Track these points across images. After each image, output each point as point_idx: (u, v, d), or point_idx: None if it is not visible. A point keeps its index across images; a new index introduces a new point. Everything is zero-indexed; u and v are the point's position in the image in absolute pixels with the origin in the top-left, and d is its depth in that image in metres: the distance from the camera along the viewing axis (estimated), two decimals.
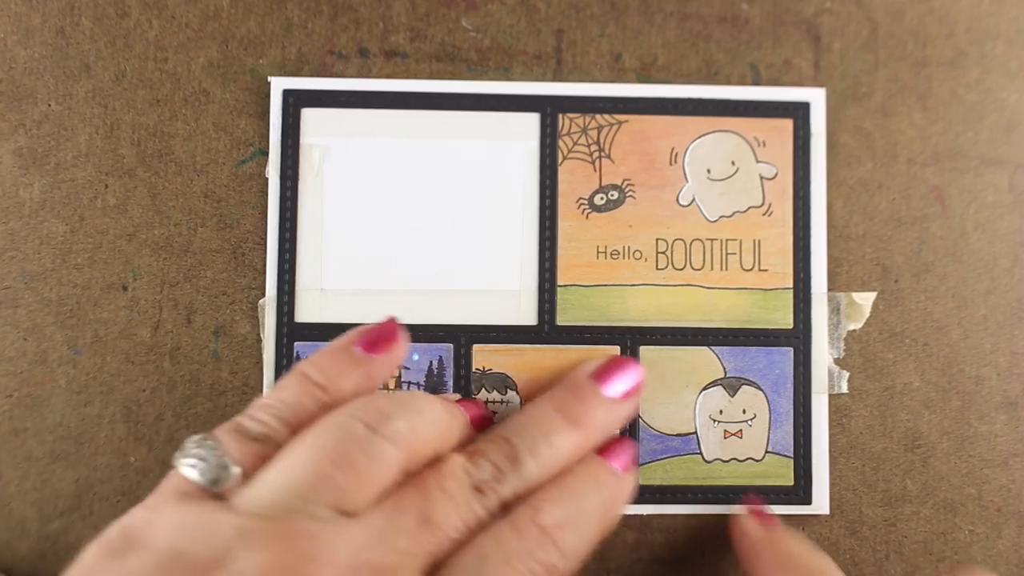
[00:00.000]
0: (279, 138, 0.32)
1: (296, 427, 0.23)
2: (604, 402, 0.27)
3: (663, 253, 0.32)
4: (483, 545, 0.22)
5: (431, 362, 0.31)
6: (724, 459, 0.32)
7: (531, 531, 0.22)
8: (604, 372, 0.28)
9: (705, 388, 0.32)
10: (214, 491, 0.21)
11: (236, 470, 0.21)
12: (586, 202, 0.32)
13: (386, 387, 0.31)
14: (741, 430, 0.32)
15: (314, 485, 0.20)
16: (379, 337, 0.26)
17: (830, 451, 0.32)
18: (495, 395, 0.31)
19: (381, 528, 0.21)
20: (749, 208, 0.32)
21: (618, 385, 0.27)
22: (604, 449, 0.26)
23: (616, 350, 0.32)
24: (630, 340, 0.32)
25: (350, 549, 0.20)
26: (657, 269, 0.32)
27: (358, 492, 0.21)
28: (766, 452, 0.32)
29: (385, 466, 0.22)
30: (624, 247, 0.32)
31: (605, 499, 0.25)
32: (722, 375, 0.32)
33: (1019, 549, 0.32)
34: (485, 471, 0.24)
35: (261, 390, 0.31)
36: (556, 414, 0.26)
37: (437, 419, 0.24)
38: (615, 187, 0.32)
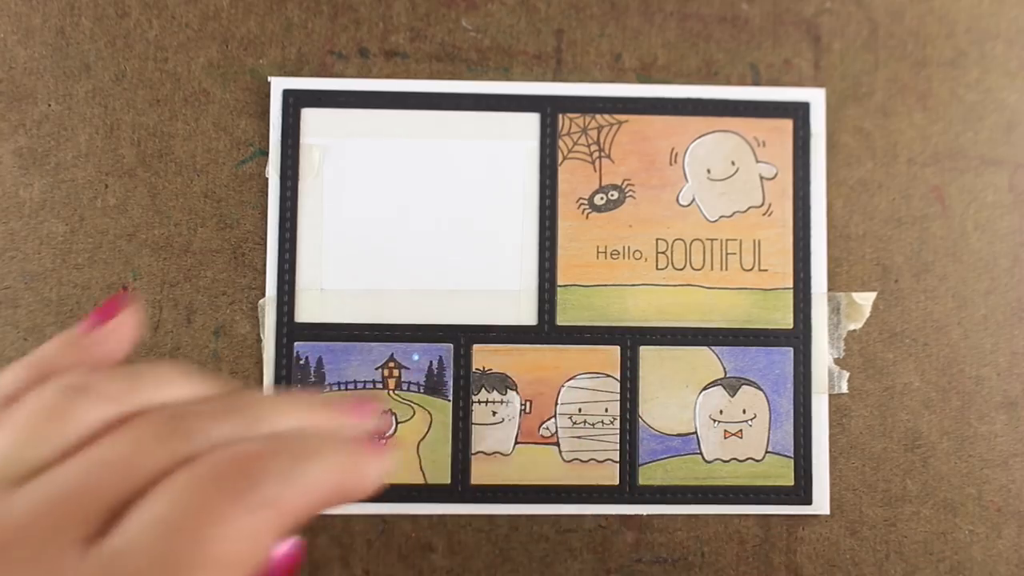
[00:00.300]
0: (279, 138, 0.32)
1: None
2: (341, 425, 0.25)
3: (663, 253, 0.32)
4: (175, 475, 0.19)
5: (431, 362, 0.31)
6: (724, 459, 0.32)
7: (225, 459, 0.20)
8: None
9: (705, 388, 0.32)
10: None
11: None
12: (586, 202, 0.32)
13: (387, 387, 0.31)
14: (741, 430, 0.32)
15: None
16: (101, 314, 0.25)
17: (830, 451, 0.32)
18: (495, 395, 0.31)
19: (53, 482, 0.20)
20: (749, 208, 0.32)
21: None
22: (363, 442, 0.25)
23: (616, 350, 0.32)
24: (630, 340, 0.32)
25: (10, 511, 0.19)
26: (657, 269, 0.32)
27: (45, 454, 0.20)
28: (766, 452, 0.32)
29: (79, 424, 0.21)
30: (624, 247, 0.32)
31: (340, 460, 0.22)
32: (722, 375, 0.32)
33: (1019, 549, 0.32)
34: (191, 416, 0.22)
35: (261, 390, 0.31)
36: (286, 396, 0.24)
37: (161, 384, 0.23)
38: (615, 187, 0.32)
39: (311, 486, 0.21)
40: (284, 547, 0.24)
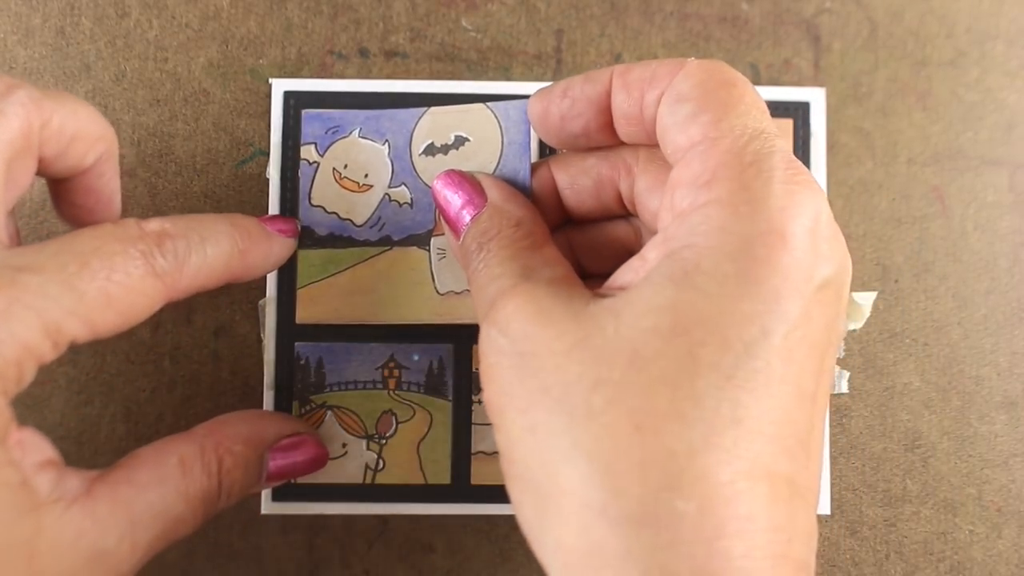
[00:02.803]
0: (280, 139, 0.32)
1: None
2: (264, 229, 0.27)
3: None
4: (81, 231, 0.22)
5: (431, 362, 0.31)
6: None
7: (133, 228, 0.23)
8: (264, 218, 0.28)
9: None
10: None
11: None
12: None
13: (387, 387, 0.31)
14: None
15: None
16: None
17: (830, 451, 0.32)
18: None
19: None
20: None
21: (276, 225, 0.28)
22: (265, 218, 0.28)
23: None
24: None
25: None
26: None
27: None
28: None
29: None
30: None
31: (238, 238, 0.25)
32: None
33: (1019, 549, 0.32)
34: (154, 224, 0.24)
35: (261, 390, 0.31)
36: (220, 217, 0.26)
37: (75, 105, 0.24)
38: None
39: (212, 263, 0.24)
40: (291, 447, 0.27)
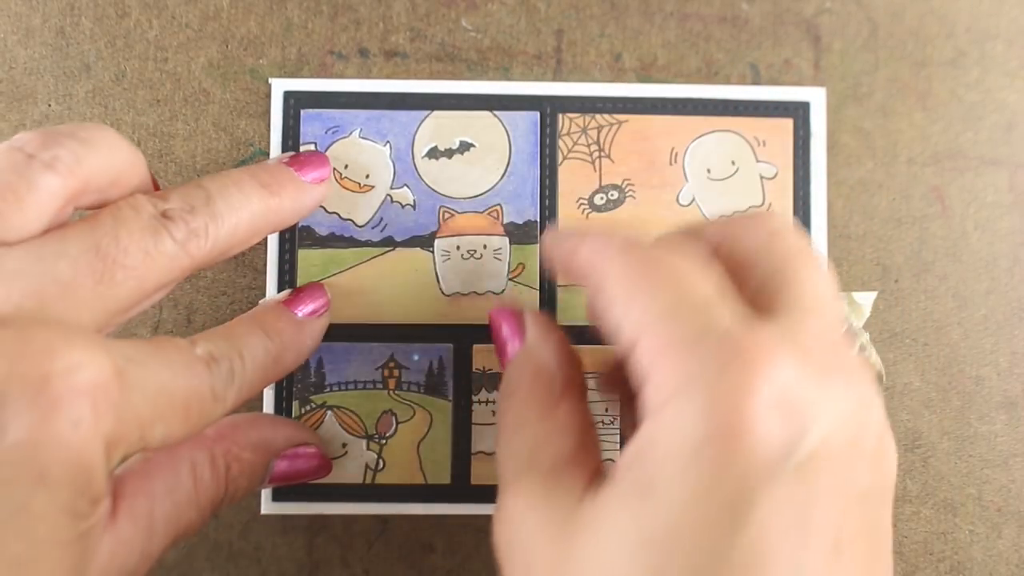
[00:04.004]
0: (280, 139, 0.32)
1: None
2: (295, 179, 0.27)
3: None
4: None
5: (431, 362, 0.31)
6: None
7: (191, 348, 0.23)
8: (295, 159, 0.28)
9: None
10: None
11: None
12: (586, 202, 0.32)
13: (387, 387, 0.31)
14: None
15: None
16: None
17: None
18: (495, 395, 0.31)
19: (39, 253, 0.20)
20: (749, 208, 0.32)
21: (309, 171, 0.28)
22: (294, 295, 0.28)
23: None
24: None
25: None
26: None
27: (13, 220, 0.20)
28: None
29: (45, 193, 0.21)
30: None
31: (277, 346, 0.26)
32: None
33: (1019, 549, 0.32)
34: (172, 201, 0.23)
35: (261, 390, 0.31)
36: (247, 174, 0.26)
37: (112, 149, 0.23)
38: (615, 187, 0.32)
39: (258, 378, 0.25)
40: (293, 455, 0.28)
